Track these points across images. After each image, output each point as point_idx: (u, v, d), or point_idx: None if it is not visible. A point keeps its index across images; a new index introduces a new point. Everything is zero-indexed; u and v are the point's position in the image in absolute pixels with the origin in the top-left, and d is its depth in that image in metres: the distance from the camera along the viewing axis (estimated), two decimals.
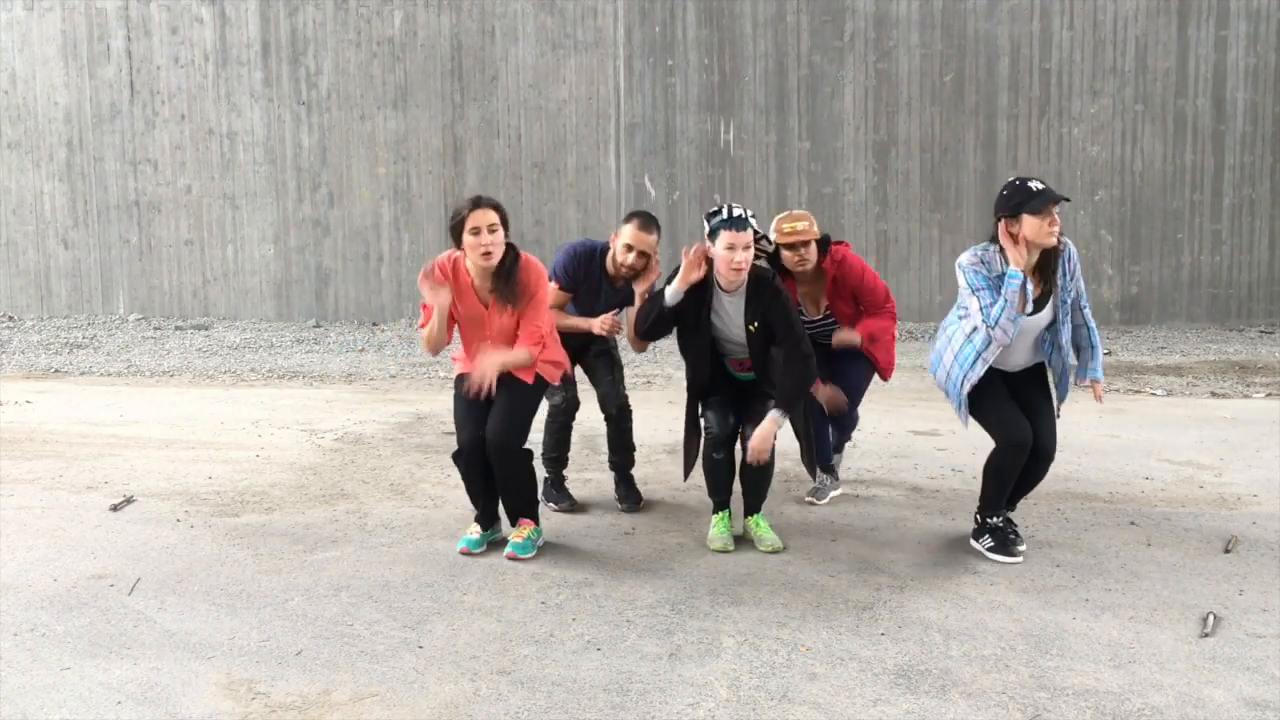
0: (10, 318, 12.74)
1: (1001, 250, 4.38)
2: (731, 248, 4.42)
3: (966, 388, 4.51)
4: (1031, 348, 4.56)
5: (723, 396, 4.72)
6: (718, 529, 4.68)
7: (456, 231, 4.40)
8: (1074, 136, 11.56)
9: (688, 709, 3.17)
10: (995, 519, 4.56)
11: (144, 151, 12.56)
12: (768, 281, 4.60)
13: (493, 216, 4.35)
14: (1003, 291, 4.31)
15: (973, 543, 4.62)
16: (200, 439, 6.76)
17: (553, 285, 5.02)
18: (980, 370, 4.47)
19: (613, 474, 5.44)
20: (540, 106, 11.99)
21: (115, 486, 5.62)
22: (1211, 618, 3.81)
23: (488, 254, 4.36)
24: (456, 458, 4.58)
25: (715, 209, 4.51)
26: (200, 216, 12.56)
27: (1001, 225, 4.36)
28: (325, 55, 12.21)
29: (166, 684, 3.34)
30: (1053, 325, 4.50)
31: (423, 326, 4.52)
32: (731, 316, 4.64)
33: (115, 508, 5.22)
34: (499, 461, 4.49)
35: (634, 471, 5.53)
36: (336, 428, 7.07)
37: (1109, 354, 10.21)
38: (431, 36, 12.06)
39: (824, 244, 5.06)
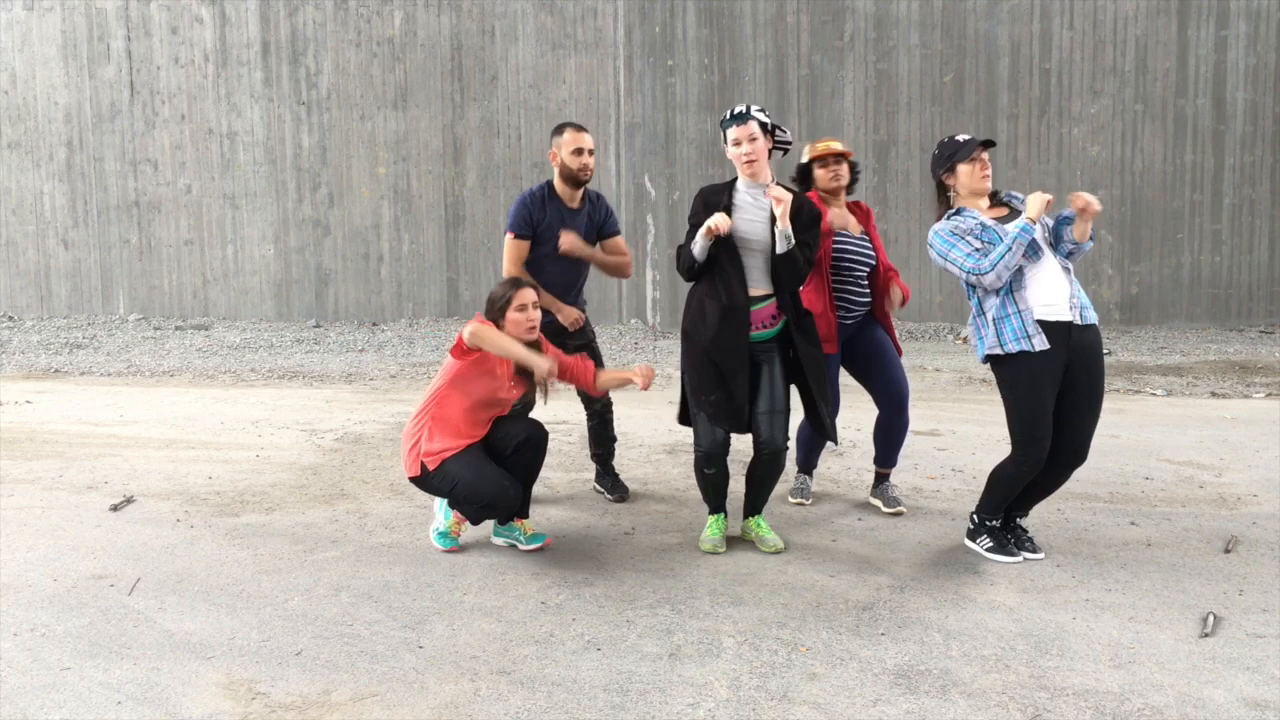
0: (10, 318, 12.74)
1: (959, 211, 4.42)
2: (738, 143, 4.44)
3: (1029, 330, 4.29)
4: (1060, 275, 4.35)
5: (721, 397, 4.52)
6: (710, 531, 4.66)
7: (501, 311, 4.50)
8: (1074, 136, 11.56)
9: (688, 709, 3.17)
10: (993, 521, 4.55)
11: (144, 151, 12.56)
12: (805, 199, 4.58)
13: (534, 295, 4.54)
14: (1011, 238, 4.21)
15: (968, 543, 4.60)
16: (200, 439, 6.76)
17: (509, 237, 5.14)
18: (1017, 257, 4.28)
19: (596, 466, 5.49)
20: (540, 106, 11.98)
21: (115, 486, 5.62)
22: (1211, 618, 3.81)
23: (533, 329, 4.52)
24: (482, 511, 4.50)
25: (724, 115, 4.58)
26: (200, 216, 12.56)
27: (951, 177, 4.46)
28: (325, 55, 12.20)
29: (166, 684, 3.34)
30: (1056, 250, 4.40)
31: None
32: (761, 223, 4.50)
33: (115, 508, 5.22)
34: (538, 454, 4.65)
35: (636, 472, 5.57)
36: (336, 428, 7.07)
37: (1109, 354, 10.21)
38: (431, 36, 12.06)
39: (855, 170, 5.27)
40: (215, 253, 12.57)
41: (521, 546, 4.60)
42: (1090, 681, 3.34)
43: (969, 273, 4.33)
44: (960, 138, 4.50)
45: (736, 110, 4.50)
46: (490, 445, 4.61)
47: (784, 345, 4.59)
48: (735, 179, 4.61)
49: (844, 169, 5.18)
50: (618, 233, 5.42)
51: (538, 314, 4.54)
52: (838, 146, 5.19)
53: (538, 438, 4.60)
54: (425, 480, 4.54)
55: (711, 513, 4.71)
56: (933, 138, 11.62)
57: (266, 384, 8.98)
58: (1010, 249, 4.25)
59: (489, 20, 12.02)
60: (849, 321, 5.15)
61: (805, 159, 5.27)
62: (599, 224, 5.36)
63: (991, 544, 4.50)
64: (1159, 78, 11.50)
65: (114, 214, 12.68)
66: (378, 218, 12.33)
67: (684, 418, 4.75)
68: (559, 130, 5.24)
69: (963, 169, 4.44)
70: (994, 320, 4.36)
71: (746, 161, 4.46)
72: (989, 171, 4.48)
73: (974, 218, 4.40)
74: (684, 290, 11.84)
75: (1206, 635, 3.69)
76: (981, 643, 3.64)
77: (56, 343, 11.09)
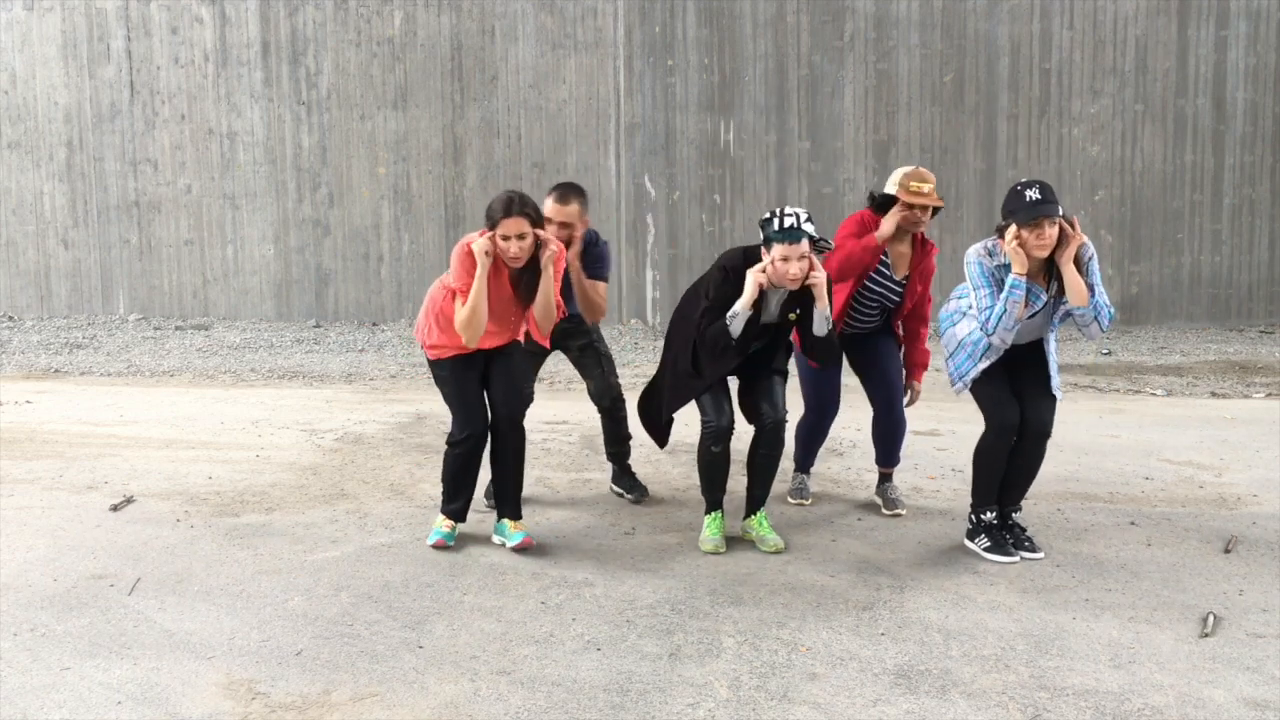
0: (10, 318, 12.74)
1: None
2: (786, 259, 4.30)
3: (974, 373, 4.49)
4: (1035, 330, 4.53)
5: (718, 384, 4.63)
6: (710, 530, 4.66)
7: (492, 226, 4.42)
8: (1074, 136, 11.56)
9: (688, 709, 3.17)
10: (989, 514, 4.55)
11: (144, 151, 12.56)
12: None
13: (525, 226, 4.38)
14: (1003, 298, 4.28)
15: (968, 543, 4.61)
16: (200, 439, 6.76)
17: None
18: (993, 358, 4.45)
19: (612, 466, 5.46)
20: (540, 106, 11.98)
21: (115, 486, 5.62)
22: (1211, 618, 3.81)
23: (517, 258, 4.42)
24: (455, 444, 4.57)
25: (768, 216, 4.37)
26: (200, 216, 12.56)
27: (1009, 229, 4.30)
28: (325, 55, 12.21)
29: (166, 684, 3.34)
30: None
31: (451, 303, 4.48)
32: (770, 304, 4.56)
33: (115, 508, 5.22)
34: (513, 434, 4.59)
35: (636, 471, 5.55)
36: (336, 428, 7.07)
37: (1109, 354, 10.21)
38: (431, 36, 12.06)
39: (936, 211, 5.04)
40: (215, 253, 12.57)
41: (507, 544, 4.59)
42: (1090, 681, 3.34)
43: (980, 324, 4.38)
44: (1029, 195, 4.18)
45: (787, 224, 4.28)
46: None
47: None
48: (757, 252, 4.49)
49: (928, 215, 4.95)
50: (601, 279, 5.29)
51: (526, 242, 4.38)
52: (928, 190, 4.84)
53: (509, 423, 4.57)
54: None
55: (709, 510, 4.70)
56: (933, 138, 11.62)
57: (266, 384, 8.98)
58: (1005, 310, 4.29)
59: (489, 20, 12.01)
60: (847, 333, 5.21)
61: (893, 190, 4.94)
62: (588, 265, 5.27)
63: (989, 543, 4.51)
64: (1159, 78, 11.50)
65: (114, 214, 12.68)
66: (378, 218, 12.33)
67: (655, 428, 4.90)
68: (549, 192, 5.18)
69: (1022, 232, 4.21)
70: (972, 359, 4.51)
71: (791, 281, 4.34)
72: (1045, 243, 4.20)
73: (1002, 262, 4.34)
74: (683, 290, 11.83)
75: (1206, 635, 3.69)
76: (981, 643, 3.64)
77: (56, 343, 11.09)
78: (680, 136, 11.84)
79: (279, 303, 12.52)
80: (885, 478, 5.34)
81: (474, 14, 12.00)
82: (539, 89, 11.97)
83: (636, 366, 9.60)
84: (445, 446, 4.66)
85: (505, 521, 4.66)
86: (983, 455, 4.56)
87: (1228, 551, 4.58)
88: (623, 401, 5.40)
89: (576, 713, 3.14)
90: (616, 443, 5.41)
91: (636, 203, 11.84)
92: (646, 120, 11.86)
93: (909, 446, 6.48)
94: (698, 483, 5.62)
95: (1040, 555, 4.49)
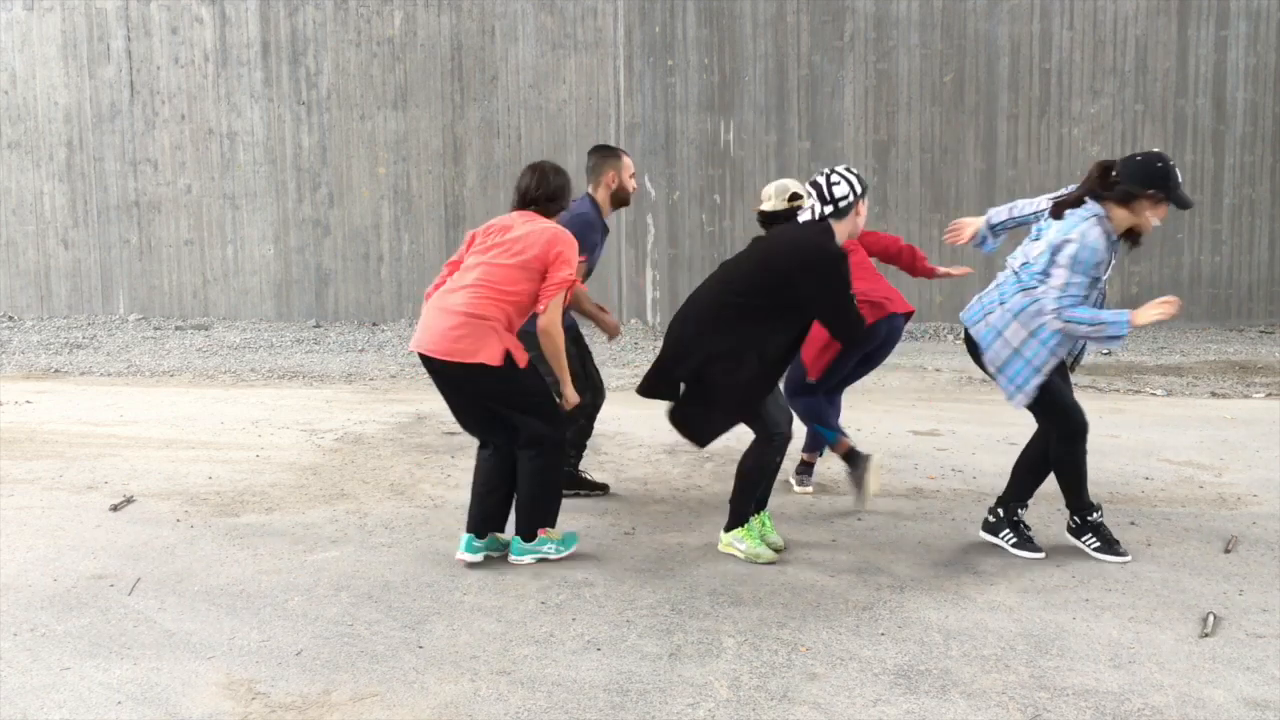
0: (10, 318, 12.74)
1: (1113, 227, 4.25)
2: (859, 214, 4.60)
3: (1037, 381, 4.34)
4: None
5: (776, 390, 4.56)
6: (753, 541, 4.48)
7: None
8: (1074, 136, 11.56)
9: (688, 709, 3.17)
10: (1096, 515, 4.48)
11: (144, 151, 12.56)
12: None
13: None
14: (1105, 315, 4.16)
15: (987, 537, 4.61)
16: (200, 439, 6.76)
17: (583, 261, 4.99)
18: (1054, 364, 4.34)
19: (572, 473, 5.34)
20: (540, 106, 11.99)
21: (115, 486, 5.62)
22: (1211, 618, 3.81)
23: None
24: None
25: (855, 176, 4.52)
26: (200, 216, 12.57)
27: (1144, 201, 4.16)
28: (325, 55, 12.21)
29: (166, 684, 3.34)
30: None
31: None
32: None
33: (115, 508, 5.21)
34: (524, 472, 4.48)
35: (636, 472, 5.53)
36: (336, 428, 7.07)
37: (1109, 354, 10.21)
38: (431, 36, 12.06)
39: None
40: (215, 253, 12.58)
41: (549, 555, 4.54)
42: (1090, 681, 3.34)
43: (1058, 304, 4.19)
44: (1180, 176, 4.22)
45: (867, 183, 4.64)
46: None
47: None
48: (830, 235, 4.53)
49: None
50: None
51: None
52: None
53: (525, 457, 4.39)
54: (512, 375, 4.18)
55: (738, 524, 4.52)
56: (933, 138, 11.62)
57: (266, 384, 8.98)
58: (1093, 326, 4.18)
59: (489, 20, 12.02)
60: None
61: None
62: None
63: (1099, 543, 4.48)
64: (1159, 78, 11.50)
65: (114, 214, 12.69)
66: (378, 218, 12.34)
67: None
68: (619, 152, 5.22)
69: (1152, 206, 4.19)
70: (1034, 366, 4.34)
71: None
72: (1159, 221, 4.34)
73: (1112, 249, 4.27)
74: (683, 291, 11.84)
75: (1206, 635, 3.69)
76: (981, 643, 3.63)
77: (56, 343, 11.09)
78: (680, 136, 11.84)
79: (279, 303, 12.53)
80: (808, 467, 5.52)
81: (474, 14, 12.00)
82: (539, 89, 11.97)
83: (636, 366, 9.60)
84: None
85: (491, 536, 4.48)
86: (1065, 465, 4.47)
87: (1228, 551, 4.57)
88: (603, 398, 5.38)
89: (576, 713, 3.14)
90: (578, 446, 5.31)
91: (637, 203, 11.84)
92: (646, 120, 11.87)
93: (909, 447, 6.48)
94: (698, 484, 5.63)
95: (1041, 555, 4.48)
